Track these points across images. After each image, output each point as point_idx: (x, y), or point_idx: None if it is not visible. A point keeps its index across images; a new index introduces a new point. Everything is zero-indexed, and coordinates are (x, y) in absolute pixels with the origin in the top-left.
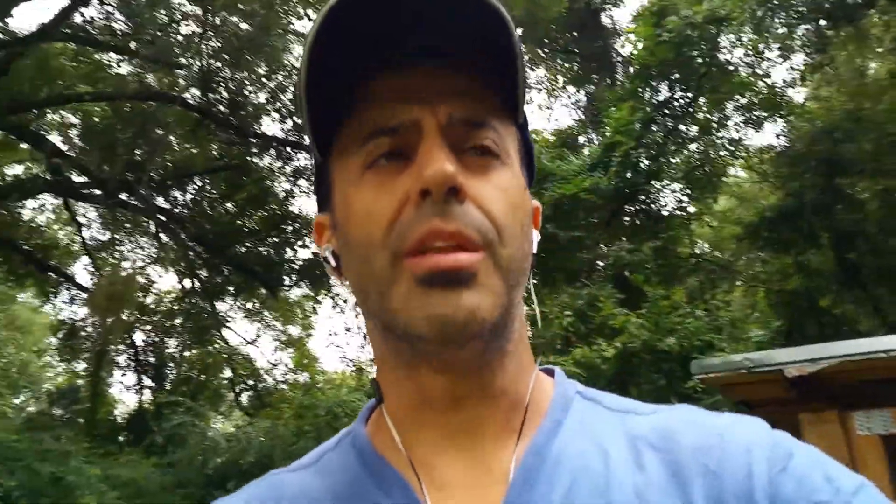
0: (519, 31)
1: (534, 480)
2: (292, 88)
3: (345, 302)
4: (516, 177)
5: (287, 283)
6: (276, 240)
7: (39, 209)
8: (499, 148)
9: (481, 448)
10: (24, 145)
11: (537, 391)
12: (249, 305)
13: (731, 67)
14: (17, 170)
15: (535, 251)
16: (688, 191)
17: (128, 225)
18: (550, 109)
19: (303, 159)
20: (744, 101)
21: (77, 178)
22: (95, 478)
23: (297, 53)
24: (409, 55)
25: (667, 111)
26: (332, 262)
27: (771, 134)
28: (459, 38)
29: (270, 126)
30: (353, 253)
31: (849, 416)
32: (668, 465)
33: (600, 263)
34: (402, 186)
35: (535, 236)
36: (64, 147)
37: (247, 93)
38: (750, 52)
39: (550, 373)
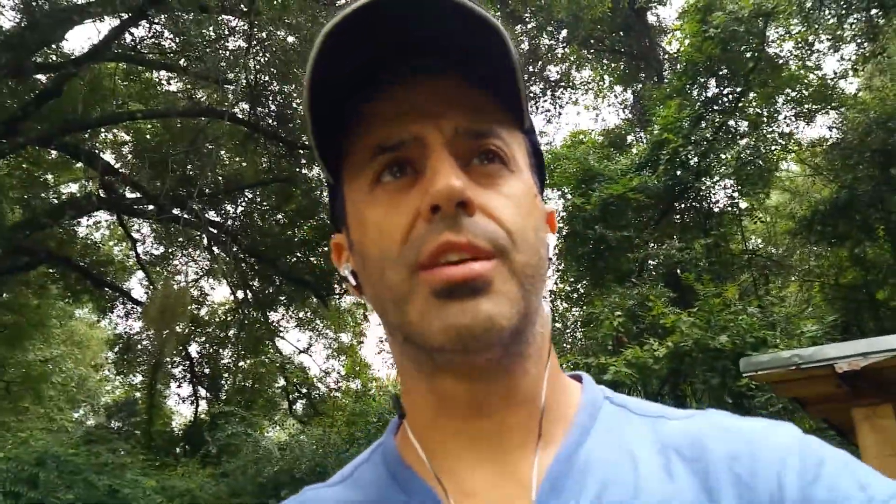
0: (564, 33)
1: (561, 489)
2: None
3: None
4: (525, 183)
5: (337, 291)
6: (325, 249)
7: (94, 226)
8: (506, 158)
9: (506, 455)
10: (78, 164)
11: (564, 397)
12: (301, 315)
13: (781, 61)
14: (72, 188)
15: (550, 256)
16: (739, 187)
17: (181, 239)
18: (597, 110)
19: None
20: (794, 94)
21: (130, 195)
22: (151, 489)
23: None
24: (409, 71)
25: (715, 107)
26: (353, 281)
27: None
28: (456, 50)
29: None
30: (369, 270)
31: None
32: (699, 474)
33: (652, 263)
34: (412, 202)
35: (551, 240)
36: (117, 164)
37: (294, 105)
38: (799, 45)
39: (579, 378)
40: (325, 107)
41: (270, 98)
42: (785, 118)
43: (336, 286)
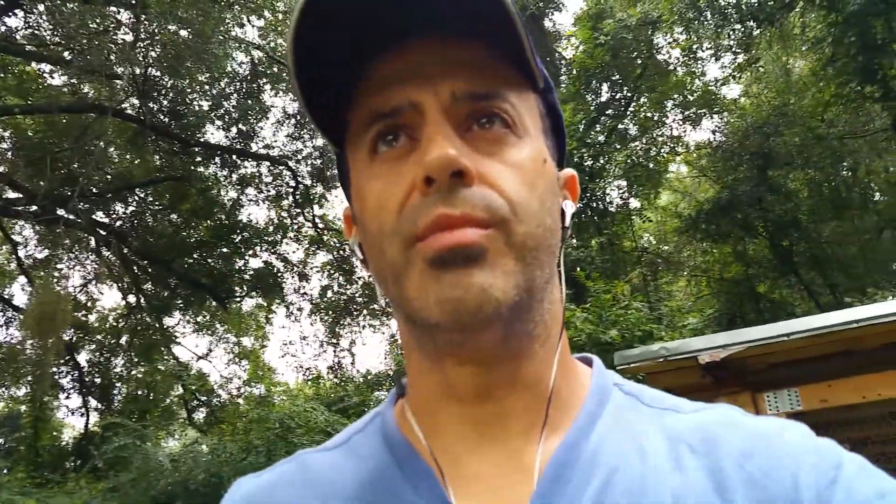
0: None
1: (566, 477)
2: (235, 96)
3: (299, 310)
4: (533, 148)
5: (238, 294)
6: (224, 250)
7: None
8: (510, 122)
9: (509, 440)
10: None
11: (573, 381)
12: (199, 319)
13: (669, 67)
14: None
15: (567, 224)
16: (630, 187)
17: (66, 241)
18: None
19: (249, 167)
20: (681, 99)
21: (9, 195)
22: None
23: (239, 60)
24: (406, 33)
25: (609, 111)
26: (360, 255)
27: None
28: (454, 10)
29: (214, 134)
30: (369, 244)
31: (760, 398)
32: (709, 470)
33: None
34: (409, 173)
35: (569, 207)
36: None
37: (188, 101)
38: (685, 53)
39: (589, 362)
40: (317, 72)
41: (162, 93)
42: (673, 122)
43: (236, 288)
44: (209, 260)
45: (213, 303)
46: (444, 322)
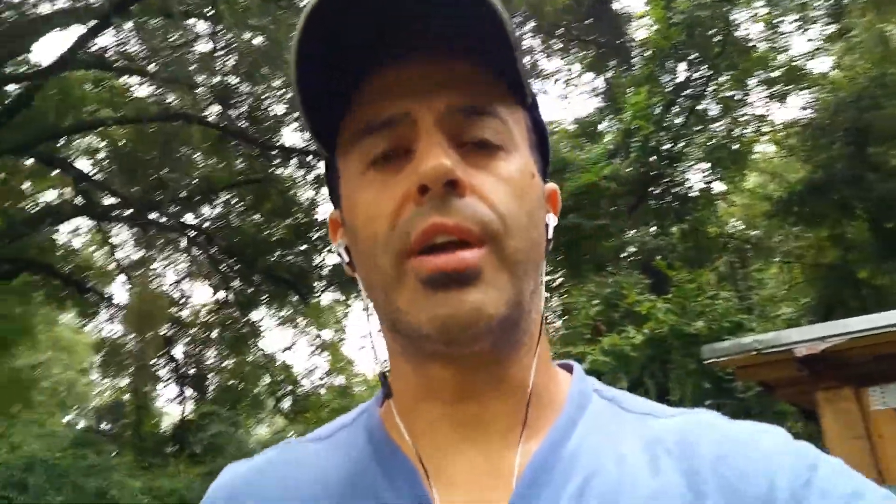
0: (530, 23)
1: (544, 480)
2: None
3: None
4: (522, 163)
5: (317, 289)
6: (303, 248)
7: (74, 233)
8: (501, 136)
9: (491, 442)
10: (55, 172)
11: (554, 386)
12: (283, 313)
13: (750, 43)
14: (49, 196)
15: (550, 236)
16: (714, 170)
17: (160, 242)
18: (568, 99)
19: (324, 167)
20: (765, 76)
21: (107, 201)
22: (138, 490)
23: None
24: (403, 47)
25: (686, 92)
26: (346, 258)
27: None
28: (450, 26)
29: (290, 136)
30: (360, 252)
31: (864, 392)
32: (685, 473)
33: (633, 249)
34: (402, 184)
35: (552, 220)
36: (92, 171)
37: (265, 106)
38: (768, 26)
39: (570, 368)
40: (316, 81)
41: (240, 100)
42: (757, 100)
43: (315, 283)
44: (289, 257)
45: (295, 297)
46: (435, 336)
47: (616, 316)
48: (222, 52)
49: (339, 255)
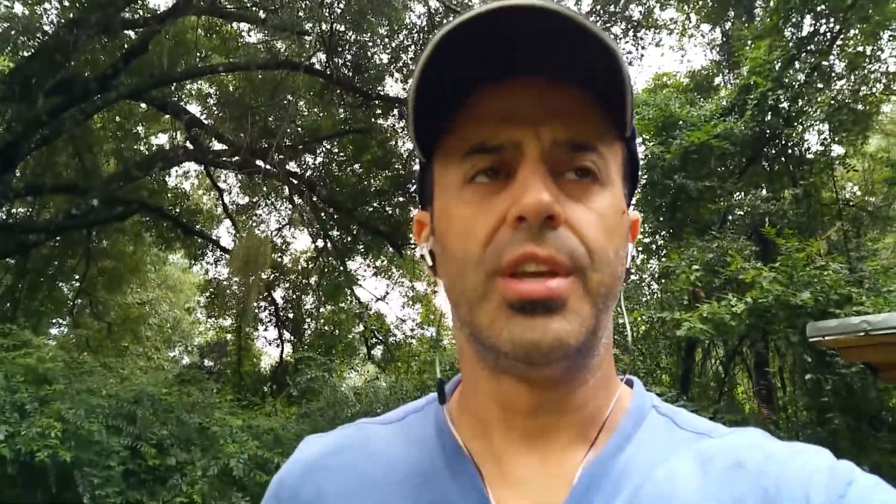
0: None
1: (596, 488)
2: (413, 48)
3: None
4: (615, 199)
5: (412, 241)
6: (401, 199)
7: (184, 176)
8: (600, 171)
9: (551, 453)
10: (166, 116)
11: (612, 401)
12: (378, 263)
13: None
14: (161, 139)
15: (628, 266)
16: (834, 132)
17: (264, 189)
18: (683, 51)
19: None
20: None
21: (216, 147)
22: (237, 427)
23: (418, 12)
24: (514, 69)
25: (811, 47)
26: (429, 261)
27: None
28: (565, 58)
29: (393, 87)
30: (449, 263)
31: None
32: (729, 486)
33: (736, 214)
34: (500, 206)
35: (630, 250)
36: (202, 116)
37: (369, 55)
38: None
39: (630, 384)
40: (428, 94)
41: (346, 48)
42: (890, 56)
43: (410, 236)
44: (387, 208)
45: (391, 249)
46: (515, 356)
47: (717, 282)
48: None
49: (423, 257)
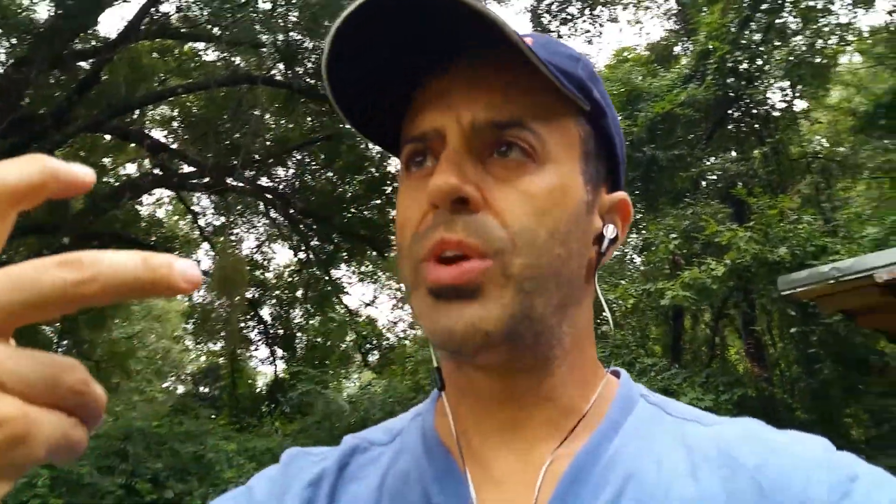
0: None
1: (583, 480)
2: None
3: None
4: (556, 177)
5: (393, 242)
6: (377, 202)
7: (157, 204)
8: (534, 148)
9: (532, 446)
10: (132, 146)
11: (600, 398)
12: (363, 269)
13: None
14: (130, 169)
15: (604, 249)
16: (796, 87)
17: (238, 207)
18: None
19: None
20: None
21: (186, 169)
22: (233, 452)
23: None
24: (448, 54)
25: (764, 6)
26: None
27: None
28: (487, 36)
29: None
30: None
31: None
32: (724, 481)
33: (712, 177)
34: (426, 196)
35: (610, 232)
36: (169, 140)
37: None
38: None
39: (617, 374)
40: (373, 93)
41: (305, 56)
42: (841, 7)
43: (391, 237)
44: (365, 212)
45: (374, 252)
46: (437, 343)
47: (696, 248)
48: (283, 8)
49: None
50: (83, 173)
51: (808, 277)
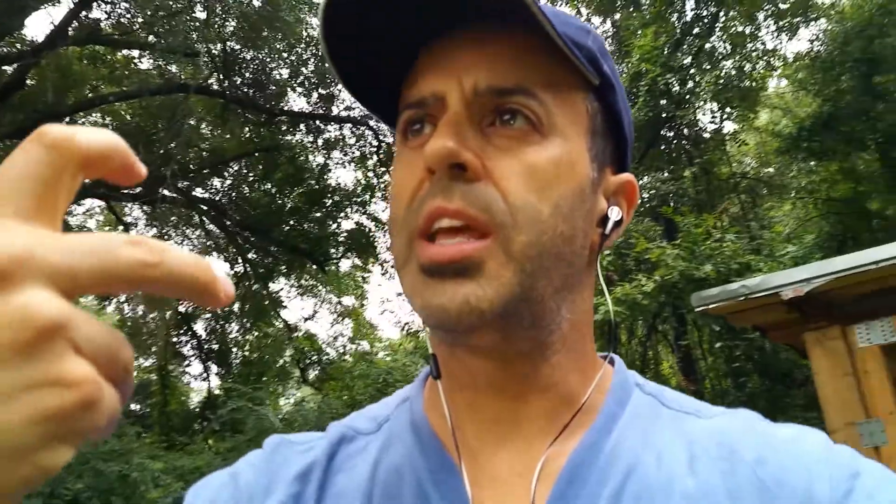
0: None
1: (583, 477)
2: (313, 59)
3: (392, 267)
4: (561, 150)
5: (334, 255)
6: (318, 215)
7: (87, 215)
8: (539, 118)
9: (529, 441)
10: None
11: (592, 383)
12: (302, 282)
13: None
14: None
15: (607, 230)
16: (725, 109)
17: (172, 218)
18: None
19: (333, 131)
20: (774, 9)
21: None
22: (159, 471)
23: (313, 23)
24: (454, 19)
25: (695, 31)
26: None
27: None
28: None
29: (297, 101)
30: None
31: (850, 330)
32: (723, 475)
33: (645, 196)
34: (421, 162)
35: (615, 214)
36: None
37: (268, 71)
38: None
39: (612, 362)
40: (371, 54)
41: (243, 66)
42: (767, 34)
43: (332, 250)
44: (305, 225)
45: (313, 266)
46: (430, 322)
47: (630, 265)
48: (220, 18)
49: None
50: (139, 163)
51: (720, 294)
